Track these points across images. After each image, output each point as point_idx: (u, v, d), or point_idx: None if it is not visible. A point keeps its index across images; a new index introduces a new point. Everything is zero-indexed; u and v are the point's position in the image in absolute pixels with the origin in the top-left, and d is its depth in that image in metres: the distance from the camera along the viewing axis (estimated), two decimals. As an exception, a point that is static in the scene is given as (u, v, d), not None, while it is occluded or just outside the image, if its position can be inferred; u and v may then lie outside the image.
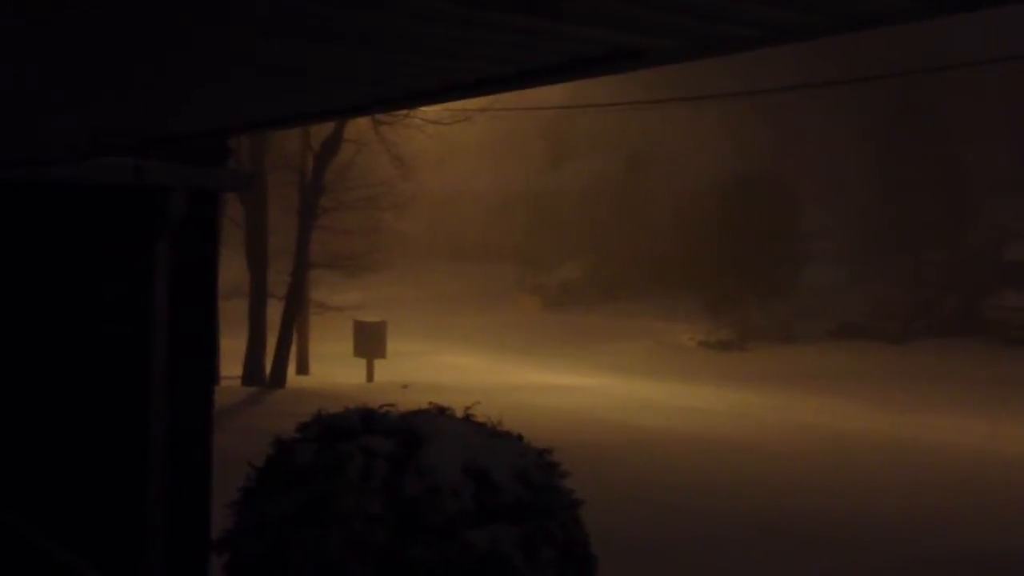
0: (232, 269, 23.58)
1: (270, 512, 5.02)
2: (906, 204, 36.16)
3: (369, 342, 27.87)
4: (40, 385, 7.43)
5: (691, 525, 12.69)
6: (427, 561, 4.67)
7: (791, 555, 11.48)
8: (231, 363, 24.64)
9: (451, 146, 30.78)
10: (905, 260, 36.52)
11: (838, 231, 38.91)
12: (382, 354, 27.86)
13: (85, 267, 7.54)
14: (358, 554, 4.73)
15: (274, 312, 25.73)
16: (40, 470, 7.36)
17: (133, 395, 7.51)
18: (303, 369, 27.99)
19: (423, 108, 24.79)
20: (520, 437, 5.18)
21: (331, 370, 28.21)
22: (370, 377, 27.18)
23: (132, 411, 7.49)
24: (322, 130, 25.50)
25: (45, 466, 7.38)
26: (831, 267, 37.64)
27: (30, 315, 7.44)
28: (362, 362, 27.70)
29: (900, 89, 33.42)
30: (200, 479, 7.84)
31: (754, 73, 24.24)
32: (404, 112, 24.76)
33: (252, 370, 25.39)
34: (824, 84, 23.16)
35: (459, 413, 5.31)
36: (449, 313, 40.59)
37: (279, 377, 24.95)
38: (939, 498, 14.56)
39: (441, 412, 5.27)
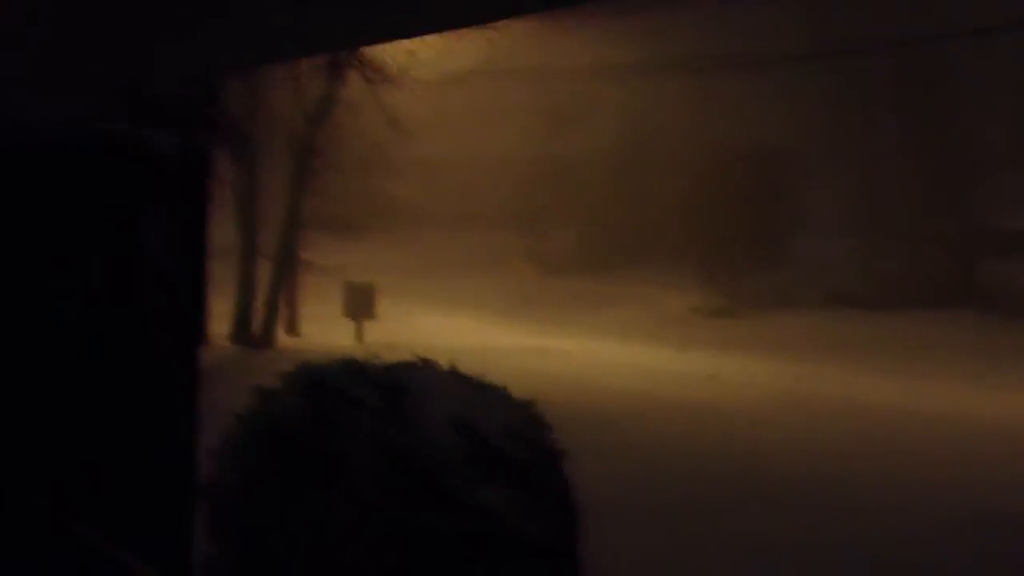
0: (223, 229, 23.45)
1: (252, 465, 4.95)
2: (907, 174, 36.01)
3: (358, 303, 27.92)
4: (22, 353, 7.31)
5: (679, 487, 12.72)
6: (413, 515, 4.61)
7: (777, 517, 11.49)
8: (220, 322, 24.58)
9: (448, 111, 30.57)
10: (903, 229, 36.44)
11: (838, 200, 38.78)
12: (371, 315, 27.89)
13: (66, 229, 7.40)
14: (343, 507, 4.67)
15: (264, 273, 25.65)
16: (23, 437, 7.28)
17: (118, 353, 7.42)
18: (293, 329, 27.96)
19: (418, 73, 24.64)
20: (505, 389, 5.11)
21: (322, 331, 28.17)
22: (359, 338, 27.19)
23: (117, 373, 7.41)
24: (314, 90, 25.31)
25: (27, 433, 7.29)
26: (828, 235, 37.55)
27: (10, 282, 7.32)
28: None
29: (903, 59, 33.22)
30: (185, 436, 7.78)
31: (757, 41, 24.11)
32: (397, 73, 24.58)
33: (241, 330, 25.34)
34: (828, 53, 23.04)
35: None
36: (444, 277, 40.51)
37: (268, 337, 24.90)
38: (924, 463, 14.58)
39: (427, 364, 5.19)
